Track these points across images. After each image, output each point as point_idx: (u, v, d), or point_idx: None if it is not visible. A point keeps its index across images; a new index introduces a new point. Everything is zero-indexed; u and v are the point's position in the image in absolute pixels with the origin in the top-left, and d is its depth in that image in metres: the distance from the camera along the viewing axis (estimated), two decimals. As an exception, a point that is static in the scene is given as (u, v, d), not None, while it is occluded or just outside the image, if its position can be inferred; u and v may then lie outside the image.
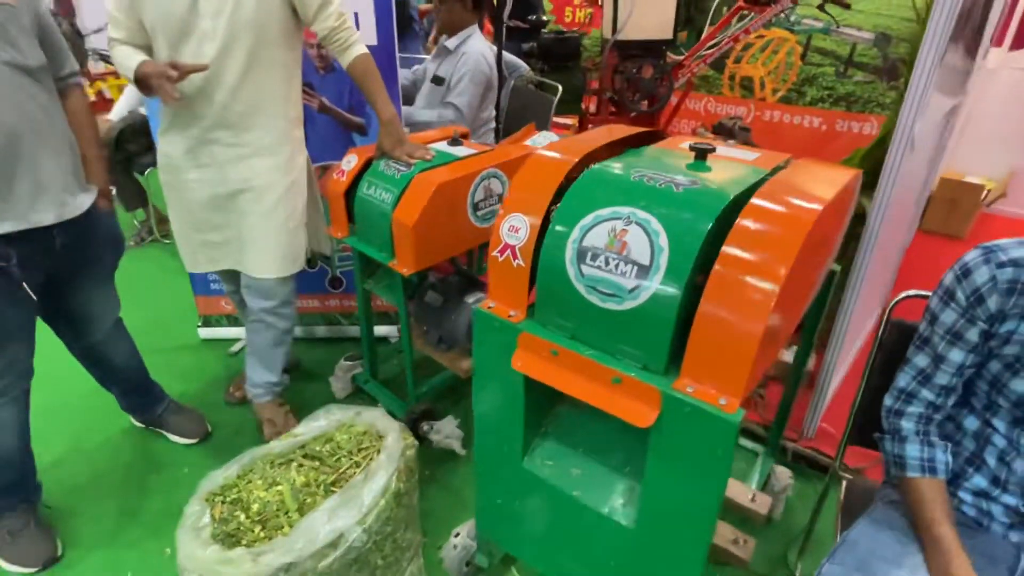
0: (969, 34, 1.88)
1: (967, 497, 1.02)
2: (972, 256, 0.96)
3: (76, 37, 4.30)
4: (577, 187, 1.10)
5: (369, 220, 1.79)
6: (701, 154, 1.16)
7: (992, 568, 0.95)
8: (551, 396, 1.21)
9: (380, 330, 2.46)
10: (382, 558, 1.39)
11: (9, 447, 1.57)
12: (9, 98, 1.34)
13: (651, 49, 3.60)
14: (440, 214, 1.66)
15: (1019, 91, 3.82)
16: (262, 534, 1.33)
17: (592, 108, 3.90)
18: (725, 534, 1.40)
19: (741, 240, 0.92)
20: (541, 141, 2.16)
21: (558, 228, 1.06)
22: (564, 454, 1.27)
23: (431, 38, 3.91)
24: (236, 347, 2.49)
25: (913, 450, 1.02)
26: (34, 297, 1.49)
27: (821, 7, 3.55)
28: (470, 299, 1.91)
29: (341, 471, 1.48)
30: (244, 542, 1.32)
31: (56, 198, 1.47)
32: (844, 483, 1.32)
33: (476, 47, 2.60)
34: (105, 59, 3.88)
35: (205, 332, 2.57)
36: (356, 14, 2.00)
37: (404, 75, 2.86)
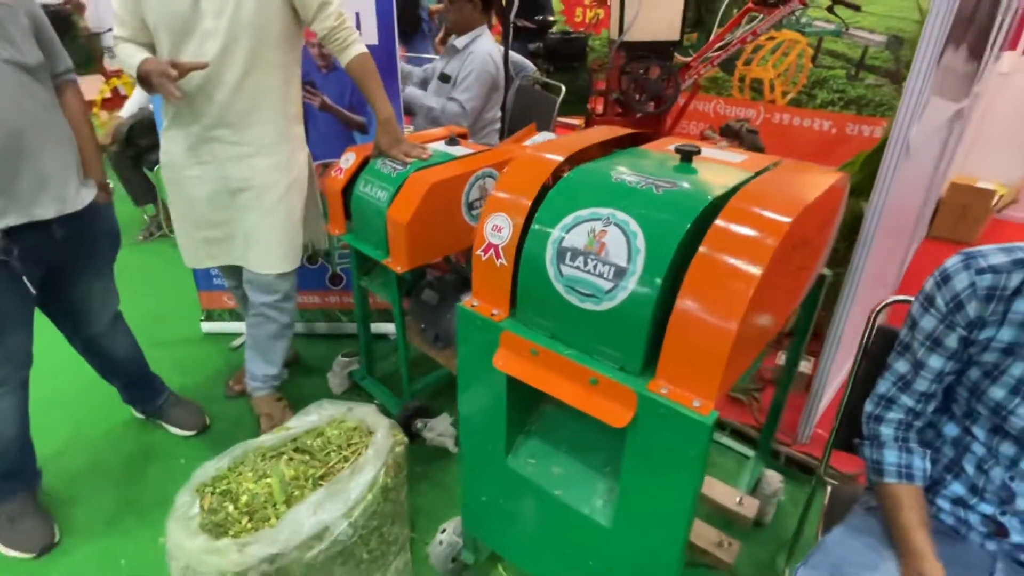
0: (973, 37, 1.86)
1: (945, 505, 1.02)
2: (952, 262, 0.95)
3: (92, 35, 4.39)
4: (559, 188, 1.10)
5: (365, 218, 1.81)
6: (686, 156, 1.17)
7: (967, 575, 0.94)
8: (535, 395, 1.22)
9: (379, 327, 2.48)
10: (368, 552, 1.41)
11: (9, 435, 1.60)
12: (11, 96, 1.37)
13: (658, 50, 3.59)
14: (434, 213, 1.68)
15: (1034, 95, 3.76)
16: (249, 525, 1.35)
17: (598, 109, 3.90)
18: (710, 536, 1.41)
19: (716, 242, 0.92)
20: (541, 141, 2.16)
21: (539, 228, 1.07)
22: (547, 453, 1.27)
23: (438, 38, 3.92)
24: (237, 342, 2.53)
25: (891, 456, 1.02)
26: (33, 290, 1.53)
27: (830, 9, 3.52)
28: (466, 298, 1.92)
29: (330, 465, 1.49)
30: (231, 533, 1.34)
31: (57, 193, 1.50)
32: (829, 488, 1.32)
33: (484, 47, 2.61)
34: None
35: (207, 326, 2.61)
36: (357, 14, 2.02)
37: (416, 72, 2.88)
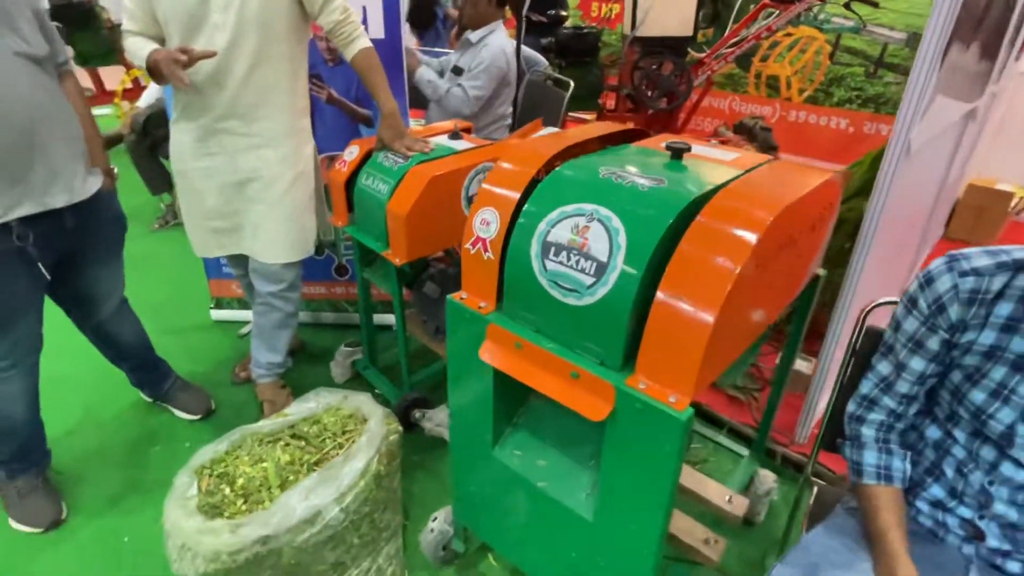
0: (986, 36, 1.83)
1: (924, 507, 1.01)
2: (936, 264, 0.95)
3: (115, 26, 4.47)
4: (546, 183, 1.11)
5: (367, 210, 1.84)
6: (677, 153, 1.17)
7: (941, 578, 0.94)
8: (523, 388, 1.23)
9: (383, 318, 2.51)
10: (359, 537, 1.44)
11: (20, 415, 1.66)
12: (24, 89, 1.41)
13: (672, 46, 3.58)
14: (433, 206, 1.70)
15: (1057, 96, 3.67)
16: (244, 507, 1.39)
17: (610, 105, 3.89)
18: (696, 533, 1.41)
19: (696, 239, 0.93)
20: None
21: (525, 222, 1.08)
22: (533, 445, 1.29)
23: (453, 32, 3.94)
24: (245, 329, 2.58)
25: (871, 457, 1.02)
26: (47, 276, 1.58)
27: (847, 5, 3.47)
28: (464, 291, 1.95)
29: (325, 452, 1.53)
30: (227, 514, 1.38)
31: (68, 182, 1.54)
32: (815, 489, 1.32)
33: (497, 41, 2.63)
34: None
35: (217, 314, 2.67)
36: (364, 8, 2.04)
37: (432, 63, 2.90)
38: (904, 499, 1.01)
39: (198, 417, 2.10)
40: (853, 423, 1.06)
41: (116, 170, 1.78)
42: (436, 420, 2.00)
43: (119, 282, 1.85)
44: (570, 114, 3.67)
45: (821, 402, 1.90)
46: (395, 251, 1.74)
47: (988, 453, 0.94)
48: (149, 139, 3.28)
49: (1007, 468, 0.92)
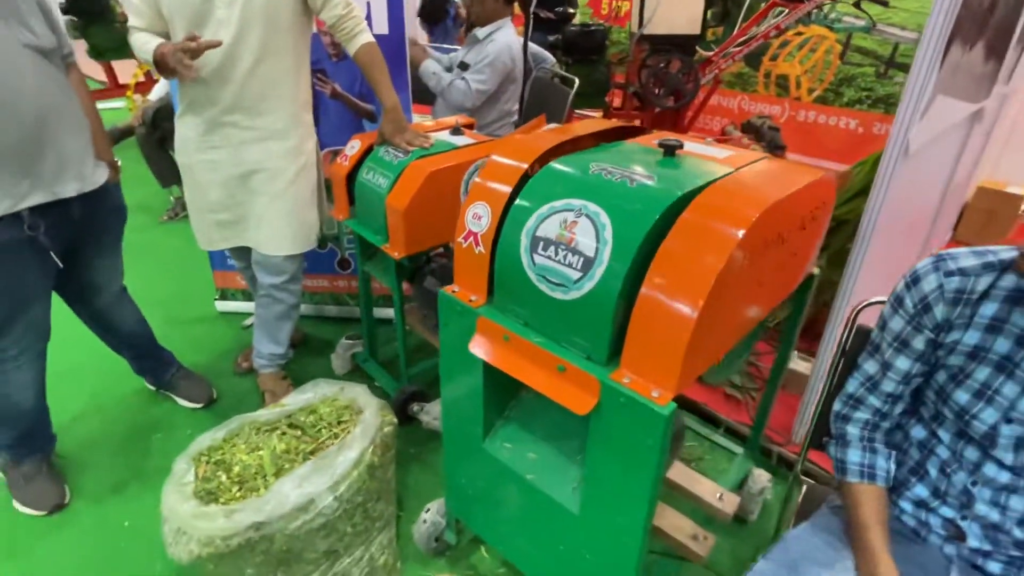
0: (991, 35, 1.81)
1: (907, 507, 1.01)
2: (923, 264, 0.95)
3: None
4: (537, 179, 1.12)
5: (367, 204, 1.85)
6: (669, 150, 1.18)
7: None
8: (515, 381, 1.24)
9: (385, 312, 2.53)
10: (351, 526, 1.46)
11: (28, 402, 1.70)
12: (34, 81, 1.44)
13: (680, 44, 3.56)
14: (432, 201, 1.71)
15: (1073, 98, 3.61)
16: (239, 494, 1.41)
17: (616, 103, 3.88)
18: (686, 529, 1.42)
19: (682, 234, 0.94)
20: (546, 133, 2.18)
21: (515, 217, 1.09)
22: (523, 439, 1.30)
23: (462, 31, 3.95)
24: (249, 321, 2.61)
25: (855, 455, 1.02)
26: (60, 264, 1.61)
27: (857, 4, 3.44)
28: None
29: (320, 441, 1.55)
30: (222, 500, 1.40)
31: (77, 172, 1.57)
32: (804, 487, 1.32)
33: (504, 38, 2.64)
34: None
35: (221, 305, 2.70)
36: (368, 3, 2.06)
37: (443, 59, 2.91)
38: (888, 498, 1.01)
39: (200, 406, 2.14)
40: (839, 422, 1.07)
41: (119, 162, 1.81)
42: (433, 413, 2.02)
43: (118, 271, 1.88)
44: (576, 111, 3.67)
45: (818, 402, 1.90)
46: (394, 245, 1.76)
47: (972, 453, 0.94)
48: (159, 132, 3.32)
49: (990, 469, 0.92)
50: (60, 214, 1.56)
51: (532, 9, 2.79)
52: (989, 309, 0.89)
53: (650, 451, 0.97)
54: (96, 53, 4.92)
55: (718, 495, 1.51)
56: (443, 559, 1.61)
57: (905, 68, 3.96)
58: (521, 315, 1.12)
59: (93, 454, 1.93)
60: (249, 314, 2.63)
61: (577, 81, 2.83)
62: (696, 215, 0.95)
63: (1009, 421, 0.89)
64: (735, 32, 3.73)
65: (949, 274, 0.91)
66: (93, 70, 6.12)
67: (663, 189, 1.02)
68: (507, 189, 1.14)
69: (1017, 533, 0.92)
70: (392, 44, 2.10)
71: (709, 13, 3.70)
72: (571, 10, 4.10)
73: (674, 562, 1.50)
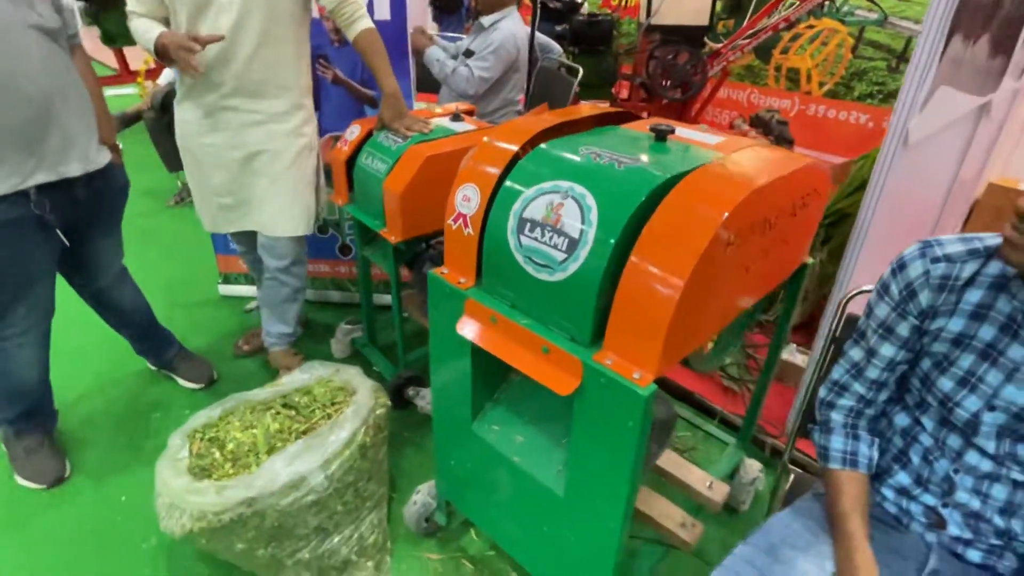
0: (998, 29, 1.78)
1: (889, 494, 1.01)
2: (910, 250, 0.94)
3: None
4: (527, 160, 1.13)
5: (366, 189, 1.86)
6: (660, 135, 1.17)
7: (901, 563, 0.94)
8: (504, 364, 1.25)
9: (385, 298, 2.54)
10: (342, 504, 1.47)
11: (31, 378, 1.73)
12: (40, 61, 1.46)
13: (689, 35, 3.53)
14: (429, 185, 1.71)
15: (1090, 95, 3.54)
16: (231, 471, 1.44)
17: (623, 94, 3.87)
18: (674, 516, 1.42)
19: (667, 214, 0.94)
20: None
21: (503, 198, 1.10)
22: (511, 421, 1.31)
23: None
24: (251, 305, 2.63)
25: (837, 442, 1.02)
26: (66, 242, 1.63)
27: (869, -4, 3.39)
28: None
29: (313, 422, 1.57)
30: (215, 476, 1.42)
31: (81, 153, 1.59)
32: (792, 476, 1.32)
33: (509, 26, 2.63)
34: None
35: (224, 289, 2.73)
36: (371, -11, 2.06)
37: (450, 47, 2.91)
38: (869, 485, 1.01)
39: (200, 386, 2.16)
40: (823, 408, 1.06)
41: (121, 145, 1.83)
42: (429, 398, 2.03)
43: (119, 250, 1.90)
44: (582, 102, 3.66)
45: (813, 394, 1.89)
46: (391, 229, 1.77)
47: (954, 441, 0.94)
48: (167, 116, 3.31)
49: (972, 456, 0.92)
50: (65, 193, 1.58)
51: (539, -1, 2.79)
52: (974, 296, 0.88)
53: (630, 432, 0.97)
54: (108, 39, 4.97)
55: (708, 484, 1.51)
56: (433, 540, 1.63)
57: (918, 63, 3.90)
58: (508, 297, 1.13)
59: (94, 431, 1.96)
60: (251, 298, 2.66)
61: (581, 70, 2.82)
62: (681, 197, 0.94)
63: (992, 409, 0.88)
64: (744, 24, 3.70)
65: (935, 260, 0.91)
66: (106, 56, 6.18)
67: (650, 172, 1.02)
68: (496, 171, 1.14)
69: (998, 521, 0.92)
70: (394, 31, 2.10)
71: (719, 5, 3.67)
72: (579, 0, 4.08)
73: (662, 549, 1.50)
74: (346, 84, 2.26)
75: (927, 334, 0.94)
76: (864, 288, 1.17)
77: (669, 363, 0.97)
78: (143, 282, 2.06)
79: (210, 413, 1.58)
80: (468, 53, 2.71)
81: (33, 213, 1.51)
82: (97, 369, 2.24)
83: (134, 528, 1.63)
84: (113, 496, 1.73)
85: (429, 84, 2.89)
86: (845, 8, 4.03)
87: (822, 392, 1.07)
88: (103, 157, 1.67)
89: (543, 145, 1.15)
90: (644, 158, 1.07)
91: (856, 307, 1.19)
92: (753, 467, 1.73)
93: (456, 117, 1.97)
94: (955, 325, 0.90)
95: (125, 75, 5.41)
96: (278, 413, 1.59)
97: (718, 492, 1.50)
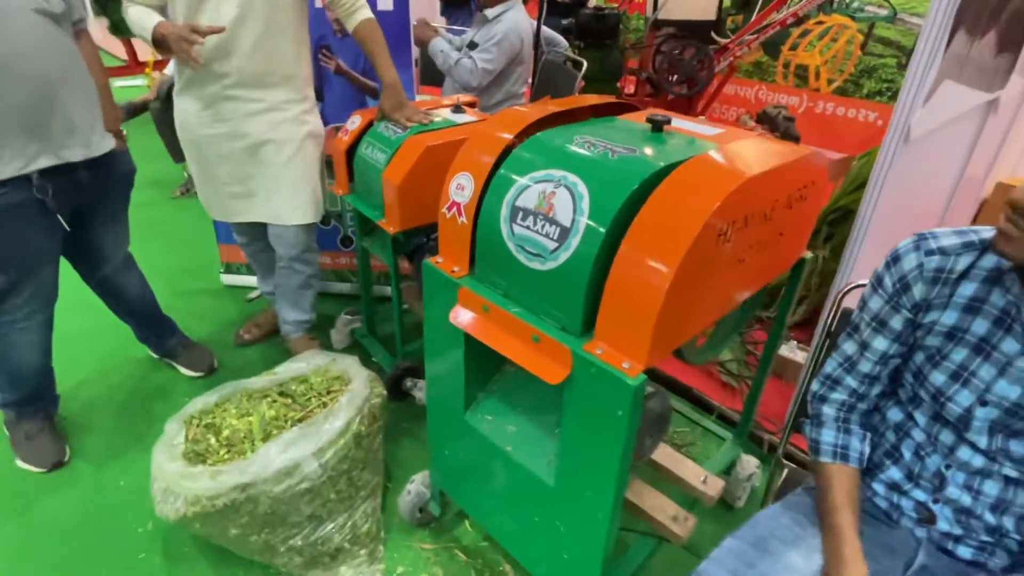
0: (1006, 23, 1.76)
1: (880, 489, 1.00)
2: (904, 243, 0.93)
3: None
4: (521, 149, 1.12)
5: (366, 179, 1.87)
6: (656, 126, 1.17)
7: (889, 558, 0.93)
8: (499, 354, 1.25)
9: (386, 290, 2.55)
10: (335, 492, 1.48)
11: (34, 363, 1.75)
12: (42, 45, 1.46)
13: (696, 30, 3.51)
14: (428, 176, 1.71)
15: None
16: (226, 456, 1.44)
17: (629, 89, 3.85)
18: (666, 510, 1.41)
19: (658, 203, 0.93)
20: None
21: (497, 187, 1.10)
22: (504, 411, 1.31)
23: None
24: (254, 294, 2.65)
25: (828, 435, 1.01)
26: (67, 227, 1.65)
27: (879, -8, 3.36)
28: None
29: (309, 410, 1.57)
30: (209, 462, 1.43)
31: (83, 137, 1.60)
32: (785, 471, 1.31)
33: (513, 18, 2.62)
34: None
35: (227, 278, 2.74)
36: (374, -20, 2.06)
37: (455, 40, 2.90)
38: (860, 480, 1.00)
39: (201, 374, 2.18)
40: (815, 402, 1.06)
41: (125, 132, 1.83)
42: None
43: (125, 237, 1.92)
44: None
45: (812, 392, 1.88)
46: (390, 220, 1.77)
47: (946, 437, 0.93)
48: (173, 107, 3.35)
49: (964, 452, 0.91)
50: (68, 179, 1.59)
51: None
52: (968, 289, 0.87)
53: (619, 422, 0.97)
54: (116, 29, 5.00)
55: (702, 478, 1.50)
56: (427, 530, 1.63)
57: (928, 60, 3.86)
58: (500, 286, 1.13)
59: (94, 416, 1.98)
60: (253, 287, 2.67)
61: (586, 64, 2.81)
62: (673, 186, 0.94)
63: (984, 404, 0.88)
64: (752, 19, 3.67)
65: (929, 253, 0.90)
66: (115, 47, 6.21)
67: (643, 162, 1.02)
68: (490, 159, 1.14)
69: (989, 518, 0.91)
70: (396, 22, 2.10)
71: (728, 0, 3.64)
72: (587, -7, 4.05)
73: (654, 542, 1.50)
74: (348, 75, 2.26)
75: (920, 327, 0.93)
76: (860, 283, 1.16)
77: (659, 354, 0.97)
78: (146, 270, 2.07)
79: (207, 399, 1.59)
80: (472, 45, 2.70)
81: (35, 198, 1.53)
82: (99, 355, 2.26)
83: (131, 513, 1.64)
84: (112, 481, 1.75)
85: (435, 77, 2.88)
86: (855, 4, 4.00)
87: (814, 386, 1.07)
88: (107, 143, 1.68)
89: (538, 134, 1.15)
90: (638, 148, 1.07)
91: (852, 301, 1.18)
92: (750, 463, 1.72)
93: (458, 108, 1.97)
94: (948, 318, 0.89)
95: (134, 66, 5.44)
96: (274, 401, 1.60)
97: (712, 487, 1.49)
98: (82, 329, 2.34)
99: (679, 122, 1.24)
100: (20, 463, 1.78)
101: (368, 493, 1.57)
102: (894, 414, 1.01)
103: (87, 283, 1.92)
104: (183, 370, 2.19)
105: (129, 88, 5.41)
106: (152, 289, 2.09)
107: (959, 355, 0.89)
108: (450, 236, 1.20)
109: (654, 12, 3.38)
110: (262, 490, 1.36)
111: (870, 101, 4.12)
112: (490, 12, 2.67)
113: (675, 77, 3.54)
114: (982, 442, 0.89)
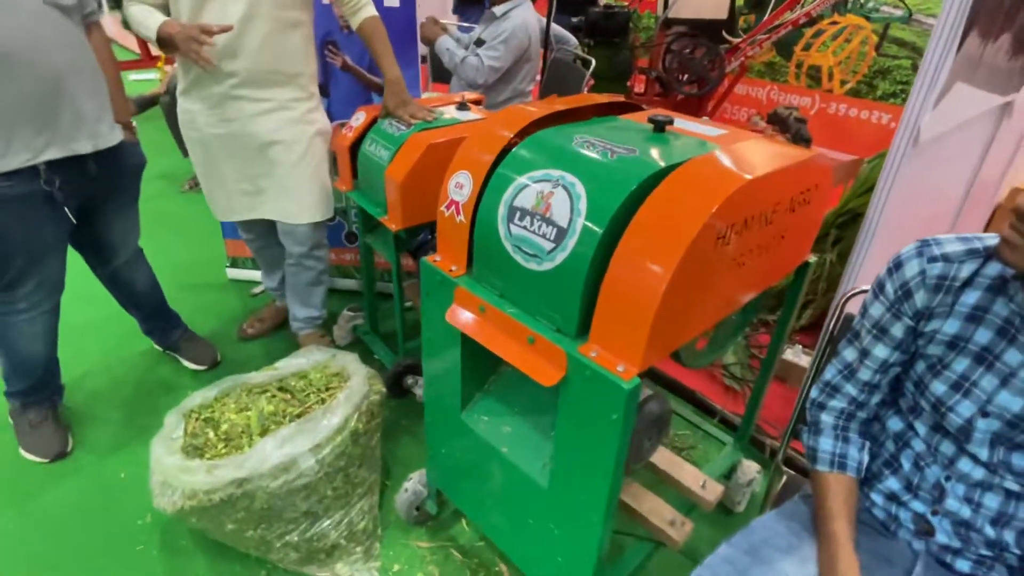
0: (1021, 28, 1.72)
1: (878, 499, 0.99)
2: (907, 249, 0.92)
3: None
4: (520, 148, 1.11)
5: (369, 176, 1.86)
6: (659, 126, 1.15)
7: (886, 569, 0.92)
8: (495, 355, 1.24)
9: (390, 287, 2.54)
10: (332, 489, 1.48)
11: (39, 353, 1.76)
12: (51, 37, 1.47)
13: (708, 29, 3.48)
14: (431, 173, 1.70)
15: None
16: (224, 451, 1.45)
17: (638, 88, 3.82)
18: (664, 513, 1.40)
19: (655, 206, 0.92)
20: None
21: (495, 186, 1.09)
22: (500, 412, 1.30)
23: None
24: (257, 289, 2.66)
25: (826, 444, 0.99)
26: (73, 220, 1.65)
27: (893, -8, 3.31)
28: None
29: (307, 406, 1.58)
30: (207, 456, 1.44)
31: (92, 129, 1.60)
32: (784, 477, 1.29)
33: (521, 15, 2.61)
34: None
35: (232, 273, 2.76)
36: (380, -24, 2.05)
37: (463, 38, 2.90)
38: (858, 490, 0.98)
39: (204, 368, 2.19)
40: (814, 409, 1.04)
41: (135, 124, 1.84)
42: (427, 387, 2.03)
43: (135, 230, 1.93)
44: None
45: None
46: (392, 217, 1.76)
47: (947, 448, 0.91)
48: (182, 102, 3.37)
49: (964, 464, 0.89)
50: (76, 170, 1.60)
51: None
52: (971, 297, 0.85)
53: (614, 425, 0.96)
54: (128, 24, 5.02)
55: (701, 483, 1.49)
56: (424, 529, 1.63)
57: (944, 62, 3.80)
58: (497, 286, 1.12)
59: (98, 408, 2.00)
60: (258, 282, 2.68)
61: (594, 62, 2.79)
62: (671, 187, 0.93)
63: (985, 415, 0.86)
64: (765, 18, 3.63)
65: (932, 260, 0.88)
66: (129, 41, 6.27)
67: (642, 162, 1.00)
68: (489, 158, 1.13)
69: (989, 531, 0.89)
70: (402, 19, 2.10)
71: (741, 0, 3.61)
72: (595, -9, 4.03)
73: (651, 546, 1.49)
74: (355, 71, 2.26)
75: (922, 336, 0.91)
76: (862, 288, 1.14)
77: (655, 357, 0.96)
78: (154, 263, 2.08)
79: (206, 393, 1.59)
80: (479, 42, 2.69)
81: (42, 189, 1.53)
82: (104, 347, 2.28)
83: (131, 505, 1.65)
84: (113, 473, 1.76)
85: (445, 74, 2.88)
86: (870, 4, 3.94)
87: (813, 392, 1.05)
88: (116, 135, 1.68)
89: (538, 133, 1.14)
90: (638, 148, 1.05)
91: (855, 307, 1.16)
92: (751, 468, 1.70)
93: (462, 106, 1.96)
94: (950, 327, 0.87)
95: (147, 60, 5.48)
96: (273, 396, 1.60)
97: (711, 491, 1.47)
98: (88, 320, 2.36)
99: (682, 122, 1.22)
100: (24, 452, 1.79)
101: (365, 490, 1.57)
102: (894, 423, 0.99)
103: (96, 275, 1.94)
104: (187, 363, 2.20)
105: (143, 82, 5.45)
106: (159, 282, 2.10)
107: (961, 365, 0.87)
108: (448, 235, 1.19)
109: (665, 10, 3.34)
110: (258, 485, 1.36)
111: (883, 103, 4.06)
112: (498, 9, 2.66)
113: (685, 76, 3.51)
114: (983, 454, 0.87)
